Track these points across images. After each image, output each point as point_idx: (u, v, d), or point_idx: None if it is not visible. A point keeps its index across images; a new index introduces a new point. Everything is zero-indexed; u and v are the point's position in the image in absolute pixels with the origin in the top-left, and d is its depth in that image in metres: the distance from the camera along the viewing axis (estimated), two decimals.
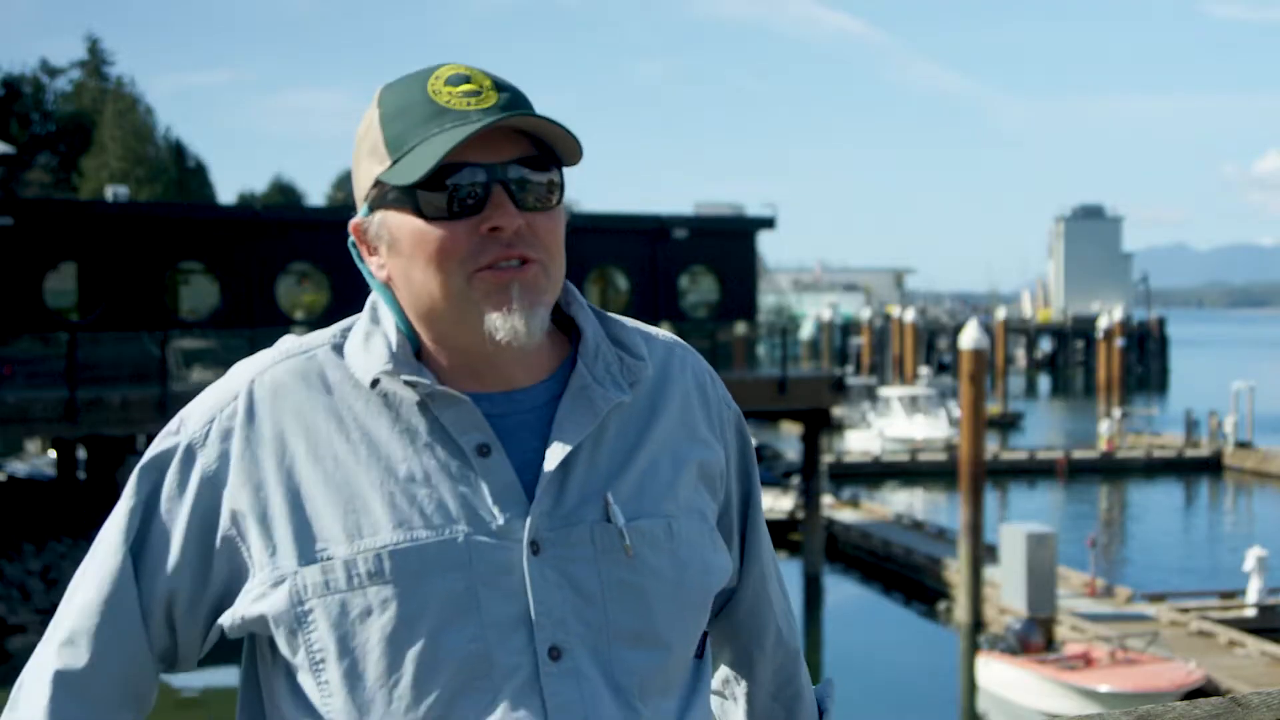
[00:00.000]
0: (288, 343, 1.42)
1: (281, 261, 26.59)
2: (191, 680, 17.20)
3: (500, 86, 1.34)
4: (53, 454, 28.72)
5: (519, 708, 1.28)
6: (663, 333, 1.51)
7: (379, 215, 1.35)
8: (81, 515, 22.70)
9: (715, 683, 1.59)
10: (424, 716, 1.28)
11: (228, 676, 17.87)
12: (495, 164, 1.31)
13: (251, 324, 25.17)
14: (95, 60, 58.90)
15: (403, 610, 1.28)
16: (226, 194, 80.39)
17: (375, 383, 1.34)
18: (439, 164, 1.28)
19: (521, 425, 1.36)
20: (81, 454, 27.25)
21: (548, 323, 1.36)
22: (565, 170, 1.38)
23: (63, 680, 1.34)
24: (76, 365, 20.16)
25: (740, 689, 1.58)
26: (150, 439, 1.42)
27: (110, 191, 33.12)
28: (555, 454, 1.33)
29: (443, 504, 1.31)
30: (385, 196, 1.34)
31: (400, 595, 1.28)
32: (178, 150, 58.90)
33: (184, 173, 57.28)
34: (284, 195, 64.16)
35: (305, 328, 23.83)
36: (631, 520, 1.35)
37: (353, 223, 1.39)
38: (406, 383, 1.33)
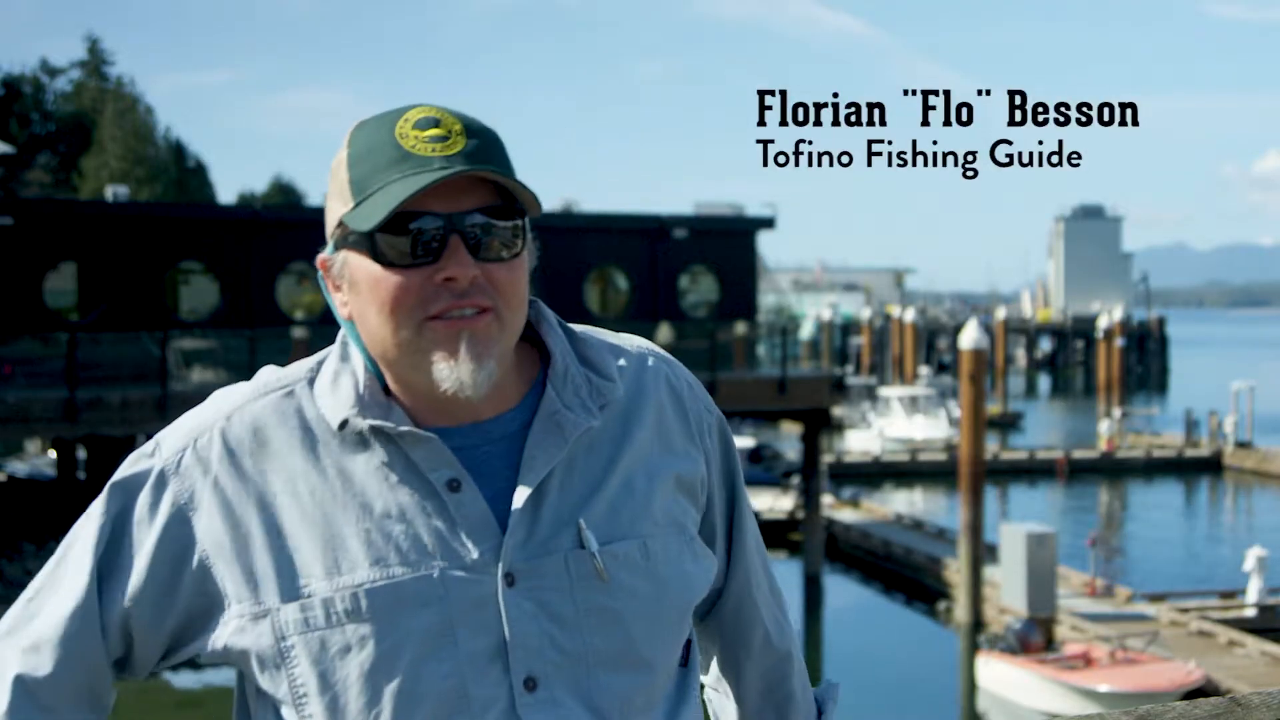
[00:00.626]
0: (266, 376, 1.43)
1: (281, 261, 26.58)
2: (191, 680, 17.22)
3: (470, 131, 1.33)
4: (53, 454, 28.72)
5: None
6: (636, 343, 1.51)
7: (342, 255, 1.36)
8: (81, 515, 22.69)
9: (710, 679, 1.61)
10: None
11: (227, 676, 17.87)
12: (454, 213, 1.31)
13: (251, 324, 25.17)
14: (95, 60, 58.89)
15: (380, 647, 1.30)
16: (226, 194, 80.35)
17: (344, 425, 1.35)
18: (393, 213, 1.28)
19: (493, 455, 1.37)
20: (81, 454, 27.25)
21: (498, 374, 1.34)
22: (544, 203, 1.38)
23: (24, 685, 1.37)
24: (76, 365, 20.15)
25: (730, 688, 1.59)
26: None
27: (110, 191, 33.10)
28: (526, 484, 1.34)
29: (418, 540, 1.33)
30: (347, 238, 1.35)
31: (377, 633, 1.30)
32: (178, 150, 58.90)
33: (184, 173, 57.27)
34: (284, 195, 64.16)
35: (305, 328, 23.84)
36: (605, 544, 1.36)
37: (319, 258, 1.40)
38: (373, 425, 1.34)
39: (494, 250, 1.32)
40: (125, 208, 28.50)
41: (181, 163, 58.20)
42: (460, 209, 1.31)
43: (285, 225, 27.46)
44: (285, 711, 1.35)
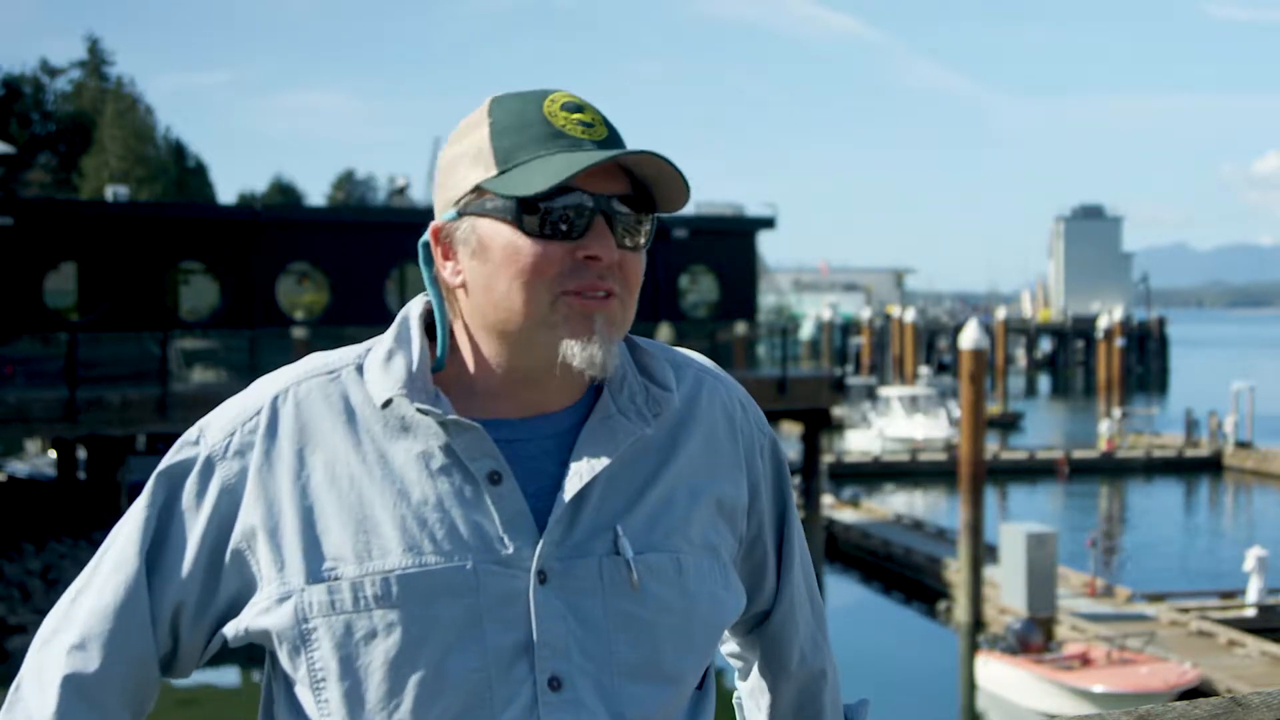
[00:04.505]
0: (313, 360, 1.42)
1: (281, 261, 26.59)
2: (191, 680, 17.15)
3: (607, 122, 1.37)
4: (53, 454, 28.72)
5: None
6: (695, 359, 1.50)
7: (469, 221, 1.35)
8: (81, 515, 22.70)
9: (745, 689, 1.62)
10: None
11: (227, 676, 17.88)
12: (602, 195, 1.32)
13: (251, 324, 25.18)
14: (95, 60, 58.92)
15: (407, 635, 1.29)
16: (226, 194, 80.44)
17: (387, 404, 1.35)
18: (566, 181, 1.28)
19: (542, 451, 1.36)
20: (81, 454, 27.23)
21: (619, 355, 1.37)
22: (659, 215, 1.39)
23: (72, 684, 1.35)
24: (76, 365, 20.15)
25: (761, 701, 1.60)
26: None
27: (110, 191, 33.09)
28: (571, 485, 1.34)
29: (454, 530, 1.31)
30: (484, 204, 1.34)
31: (405, 620, 1.29)
32: (178, 150, 58.97)
33: (184, 173, 57.33)
34: (284, 195, 64.27)
35: (305, 328, 23.84)
36: (640, 554, 1.35)
37: (434, 225, 1.39)
38: (419, 410, 1.33)
39: (630, 238, 1.35)
40: (125, 208, 28.48)
41: (181, 163, 58.26)
42: (606, 192, 1.33)
43: (285, 225, 27.46)
44: (300, 692, 1.34)
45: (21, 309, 24.36)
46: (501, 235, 1.32)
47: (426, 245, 1.40)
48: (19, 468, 30.40)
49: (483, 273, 1.34)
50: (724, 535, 1.43)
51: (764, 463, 1.49)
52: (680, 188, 1.34)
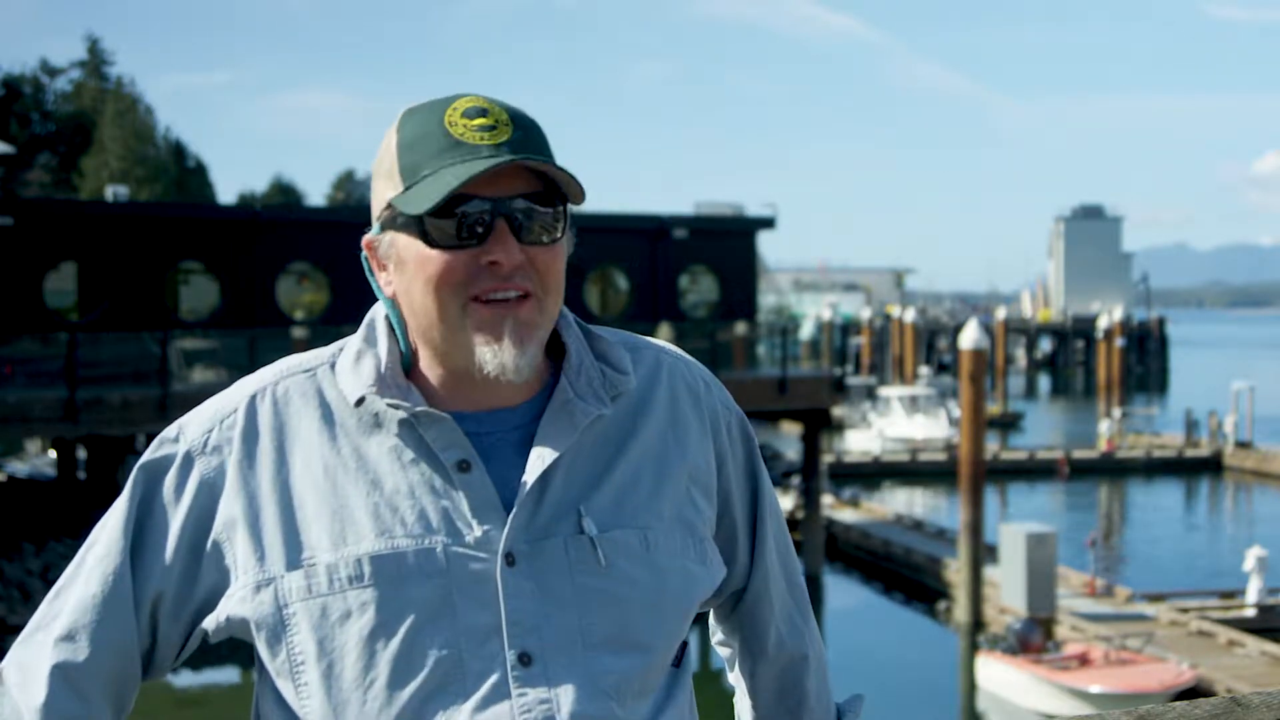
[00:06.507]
0: (290, 361, 1.47)
1: (281, 261, 26.59)
2: (192, 680, 17.23)
3: (516, 121, 1.39)
4: (53, 454, 28.72)
5: (487, 708, 1.33)
6: (654, 342, 1.53)
7: (389, 235, 1.41)
8: (81, 515, 22.68)
9: (733, 681, 1.64)
10: (396, 717, 1.33)
11: (228, 676, 17.87)
12: (501, 198, 1.35)
13: (251, 324, 25.19)
14: (95, 60, 58.89)
15: (381, 614, 1.33)
16: (226, 194, 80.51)
17: (360, 402, 1.39)
18: (445, 199, 1.32)
19: (504, 442, 1.41)
20: (81, 454, 27.24)
21: (539, 357, 1.40)
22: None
23: (61, 674, 1.38)
24: (76, 365, 20.16)
25: (744, 687, 1.61)
26: (150, 439, 1.47)
27: (110, 191, 33.11)
28: (533, 469, 1.38)
29: (424, 515, 1.36)
30: (395, 219, 1.39)
31: (379, 599, 1.34)
32: (178, 150, 58.96)
33: (184, 173, 57.33)
34: (284, 195, 64.25)
35: (305, 328, 23.83)
36: (606, 531, 1.38)
37: (365, 239, 1.44)
38: (390, 404, 1.38)
39: (536, 234, 1.37)
40: (125, 208, 28.49)
41: (181, 163, 58.27)
42: (505, 194, 1.36)
43: (285, 225, 27.46)
44: (282, 685, 1.38)
45: (21, 309, 24.36)
46: (413, 248, 1.37)
47: (366, 258, 1.45)
48: (19, 468, 30.40)
49: (404, 284, 1.40)
50: (701, 509, 1.47)
51: (730, 438, 1.52)
52: (569, 182, 1.37)
